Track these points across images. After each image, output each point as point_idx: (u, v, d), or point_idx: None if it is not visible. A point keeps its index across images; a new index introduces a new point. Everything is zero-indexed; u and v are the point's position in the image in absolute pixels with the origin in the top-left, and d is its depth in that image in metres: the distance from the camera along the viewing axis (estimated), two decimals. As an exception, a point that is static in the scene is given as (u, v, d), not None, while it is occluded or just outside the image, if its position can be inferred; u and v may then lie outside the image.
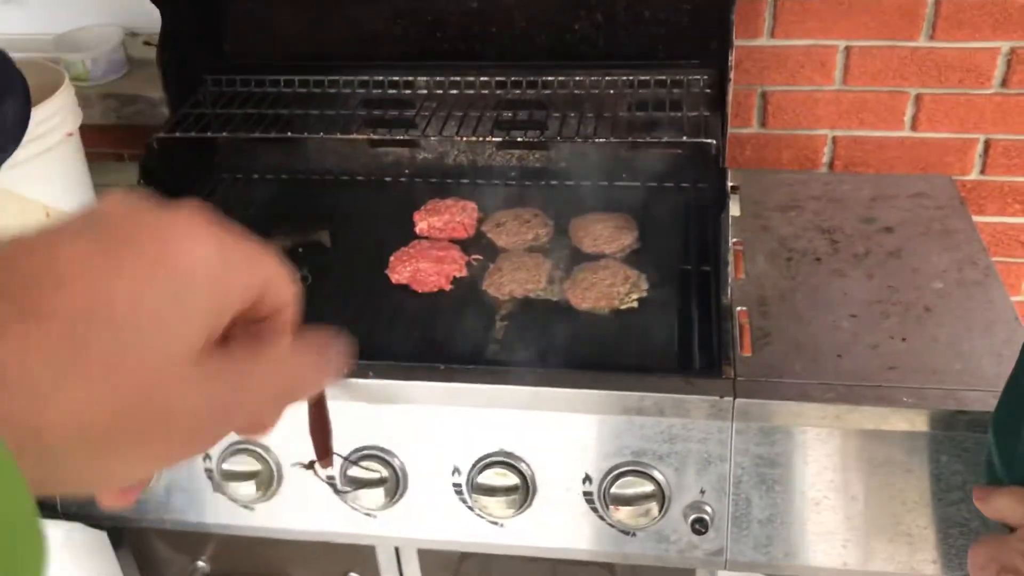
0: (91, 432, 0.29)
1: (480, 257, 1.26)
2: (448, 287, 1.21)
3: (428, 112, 1.37)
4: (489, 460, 1.04)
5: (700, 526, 1.01)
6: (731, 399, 0.98)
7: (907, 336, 1.08)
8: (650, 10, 1.35)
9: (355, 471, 1.05)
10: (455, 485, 1.06)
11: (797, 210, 1.32)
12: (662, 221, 1.29)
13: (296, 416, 1.05)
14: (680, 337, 1.10)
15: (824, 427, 0.98)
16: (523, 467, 1.03)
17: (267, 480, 1.08)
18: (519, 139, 1.34)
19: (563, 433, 1.02)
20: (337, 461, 1.03)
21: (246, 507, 1.11)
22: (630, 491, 1.01)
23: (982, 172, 1.45)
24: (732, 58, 1.22)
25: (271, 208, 1.41)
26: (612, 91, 1.36)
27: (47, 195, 1.17)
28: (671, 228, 1.28)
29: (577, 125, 1.30)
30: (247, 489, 1.08)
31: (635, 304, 1.15)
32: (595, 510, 1.04)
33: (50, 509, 1.14)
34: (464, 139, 1.39)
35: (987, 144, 1.43)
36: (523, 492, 1.04)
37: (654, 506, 1.01)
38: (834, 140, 1.47)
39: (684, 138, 1.25)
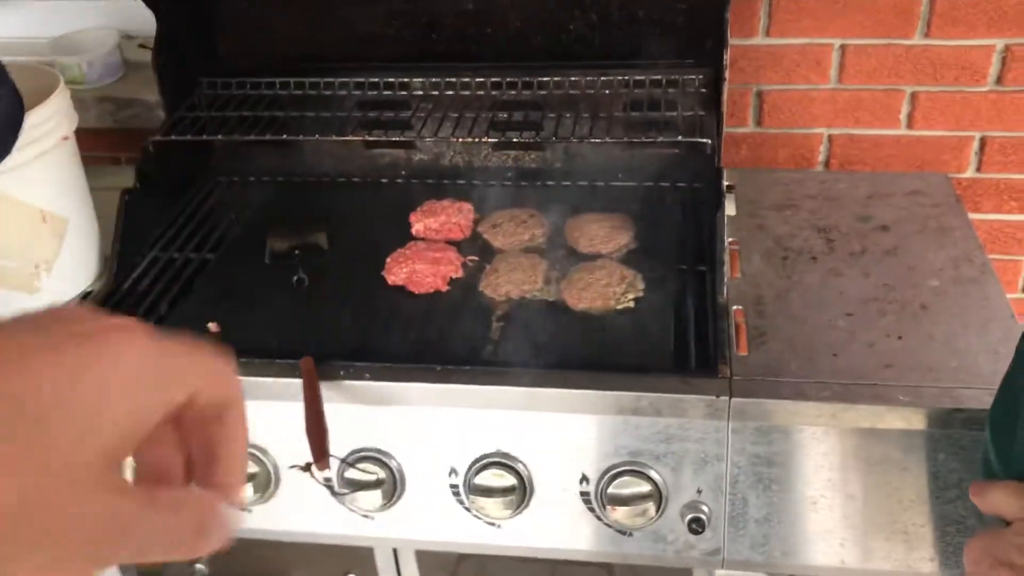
0: None
1: (476, 258, 1.26)
2: (444, 288, 1.21)
3: (424, 113, 1.37)
4: (486, 461, 1.04)
5: (697, 526, 1.01)
6: (727, 398, 0.98)
7: (903, 334, 1.08)
8: (645, 10, 1.36)
9: (352, 473, 1.05)
10: (452, 486, 1.06)
11: (793, 209, 1.32)
12: (658, 221, 1.29)
13: (293, 419, 1.05)
14: (676, 337, 1.10)
15: (820, 426, 0.98)
16: (520, 468, 1.04)
17: (265, 482, 1.08)
18: (515, 140, 1.34)
19: (560, 433, 1.02)
20: (334, 463, 1.03)
21: (243, 509, 1.11)
22: (627, 491, 1.01)
23: (978, 169, 1.46)
24: (727, 57, 1.22)
25: (267, 210, 1.41)
26: (607, 91, 1.36)
27: (42, 199, 1.17)
28: (667, 228, 1.28)
29: (572, 125, 1.31)
30: (245, 491, 1.08)
31: (631, 304, 1.15)
32: (592, 510, 1.04)
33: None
34: (460, 140, 1.39)
35: (983, 141, 1.43)
36: (520, 493, 1.04)
37: (651, 506, 1.01)
38: (830, 139, 1.47)
39: (680, 138, 1.25)
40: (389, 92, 1.42)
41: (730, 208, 1.30)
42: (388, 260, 1.25)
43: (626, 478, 1.01)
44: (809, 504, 1.01)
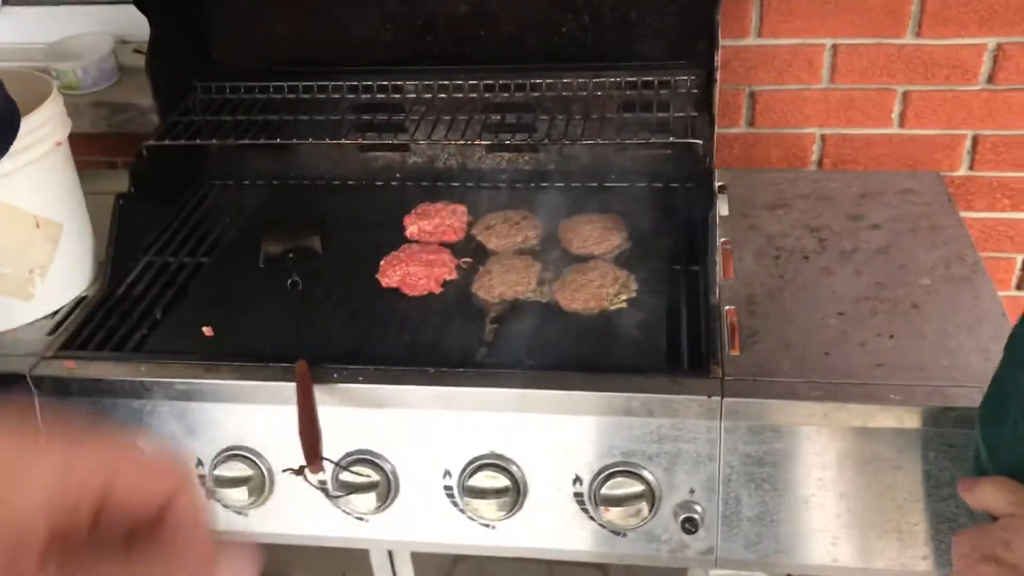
0: None
1: (470, 260, 1.26)
2: (438, 290, 1.21)
3: (418, 116, 1.38)
4: (480, 463, 1.04)
5: (690, 525, 1.01)
6: (719, 398, 0.98)
7: (895, 333, 1.08)
8: (637, 11, 1.36)
9: (346, 476, 1.06)
10: (446, 488, 1.06)
11: (785, 208, 1.33)
12: (651, 222, 1.29)
13: (287, 422, 1.06)
14: (669, 337, 1.11)
15: (812, 425, 0.99)
16: (514, 469, 1.04)
17: (259, 485, 1.08)
18: (508, 142, 1.35)
19: (553, 435, 1.02)
20: (328, 466, 1.04)
21: (239, 512, 1.11)
22: (620, 491, 1.02)
23: (970, 168, 1.46)
24: (718, 58, 1.23)
25: (262, 214, 1.41)
26: (600, 93, 1.36)
27: (36, 205, 1.17)
28: (660, 229, 1.28)
29: (565, 127, 1.31)
30: (240, 494, 1.08)
31: (624, 305, 1.16)
32: (586, 511, 1.04)
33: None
34: (454, 143, 1.39)
35: (975, 140, 1.43)
36: (514, 494, 1.04)
37: (644, 506, 1.02)
38: (822, 138, 1.47)
39: (672, 139, 1.25)
40: (383, 95, 1.42)
41: (723, 208, 1.31)
42: (382, 262, 1.25)
43: (619, 478, 1.01)
44: (802, 503, 1.02)
